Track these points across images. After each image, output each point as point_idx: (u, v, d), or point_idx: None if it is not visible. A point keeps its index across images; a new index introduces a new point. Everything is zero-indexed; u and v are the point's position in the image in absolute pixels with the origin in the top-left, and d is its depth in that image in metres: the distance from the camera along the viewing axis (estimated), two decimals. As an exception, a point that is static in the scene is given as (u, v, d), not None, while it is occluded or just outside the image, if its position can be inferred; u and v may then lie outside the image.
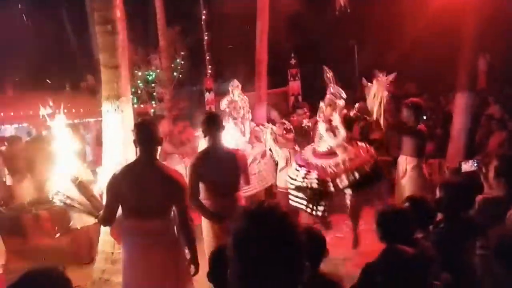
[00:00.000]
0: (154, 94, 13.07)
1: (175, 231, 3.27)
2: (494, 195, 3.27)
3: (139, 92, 11.81)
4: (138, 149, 3.20)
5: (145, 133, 3.18)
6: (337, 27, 14.42)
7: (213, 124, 3.89)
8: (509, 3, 8.58)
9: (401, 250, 2.23)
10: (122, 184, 3.12)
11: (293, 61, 14.24)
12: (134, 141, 3.22)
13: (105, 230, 4.60)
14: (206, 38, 15.61)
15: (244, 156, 4.23)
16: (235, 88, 6.12)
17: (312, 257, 2.38)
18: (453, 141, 7.64)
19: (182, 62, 13.12)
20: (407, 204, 2.99)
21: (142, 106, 12.73)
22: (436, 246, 2.67)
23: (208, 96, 14.98)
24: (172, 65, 12.85)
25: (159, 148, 3.27)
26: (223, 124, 4.06)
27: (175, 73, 12.92)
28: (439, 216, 3.15)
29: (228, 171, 3.83)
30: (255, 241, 1.29)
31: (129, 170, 3.22)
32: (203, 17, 15.47)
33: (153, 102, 13.16)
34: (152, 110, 12.79)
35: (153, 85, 12.90)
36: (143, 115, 10.47)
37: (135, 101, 11.59)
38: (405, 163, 5.03)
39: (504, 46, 11.19)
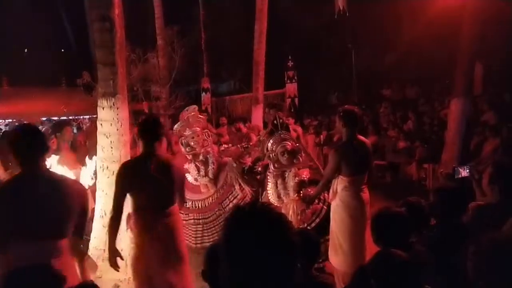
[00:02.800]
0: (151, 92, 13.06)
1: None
2: (487, 201, 3.29)
3: (135, 89, 11.78)
4: (20, 159, 2.66)
5: (31, 140, 2.67)
6: (335, 30, 14.47)
7: (146, 130, 3.48)
8: (506, 10, 8.63)
9: (395, 254, 2.23)
10: (4, 203, 2.59)
11: (290, 63, 14.27)
12: (15, 150, 2.66)
13: (96, 227, 4.59)
14: (204, 38, 15.63)
15: (182, 168, 3.64)
16: (191, 114, 5.28)
17: (305, 259, 2.38)
18: (448, 147, 7.68)
19: (179, 61, 13.12)
20: (402, 208, 2.99)
21: (144, 103, 12.71)
22: (429, 250, 2.68)
23: (205, 96, 14.99)
24: (169, 64, 12.85)
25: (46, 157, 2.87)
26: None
27: (172, 73, 12.92)
28: (433, 220, 3.16)
29: (161, 183, 3.36)
30: (247, 241, 1.27)
31: (11, 186, 2.69)
32: (201, 17, 15.49)
33: (149, 100, 13.14)
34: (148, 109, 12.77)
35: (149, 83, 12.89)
36: (138, 113, 10.44)
37: (130, 99, 11.54)
38: (335, 183, 4.16)
39: (500, 52, 11.26)
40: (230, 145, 6.28)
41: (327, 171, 4.18)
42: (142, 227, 3.39)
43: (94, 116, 5.29)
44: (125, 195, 3.38)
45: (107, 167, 4.46)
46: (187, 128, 5.15)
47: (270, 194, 4.68)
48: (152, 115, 8.22)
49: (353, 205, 4.03)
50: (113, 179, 4.35)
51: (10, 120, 12.21)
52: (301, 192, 4.58)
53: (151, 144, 3.42)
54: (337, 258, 4.11)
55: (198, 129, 5.17)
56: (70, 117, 10.79)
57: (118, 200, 3.35)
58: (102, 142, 4.50)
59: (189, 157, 5.16)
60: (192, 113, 5.25)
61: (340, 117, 4.10)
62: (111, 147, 4.45)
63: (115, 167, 4.35)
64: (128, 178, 3.37)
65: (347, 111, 4.14)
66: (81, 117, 12.02)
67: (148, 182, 3.33)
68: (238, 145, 6.04)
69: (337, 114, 4.19)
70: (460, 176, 4.61)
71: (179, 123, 5.28)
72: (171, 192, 3.49)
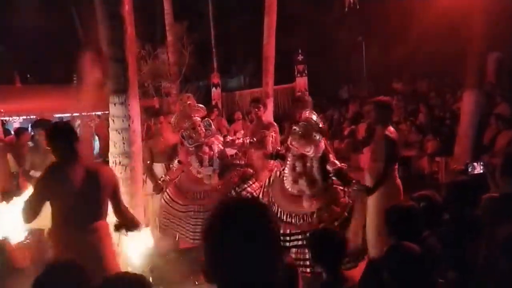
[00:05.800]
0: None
1: None
2: (500, 193, 3.25)
3: (145, 85, 11.83)
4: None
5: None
6: (345, 23, 14.39)
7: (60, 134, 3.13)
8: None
9: (407, 247, 2.23)
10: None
11: (300, 57, 14.23)
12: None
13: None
14: (213, 33, 15.64)
15: (112, 174, 3.24)
16: (186, 103, 5.04)
17: (330, 258, 2.35)
18: (460, 140, 7.59)
19: (189, 57, 13.14)
20: (421, 202, 2.98)
21: (154, 99, 12.76)
22: (442, 244, 2.67)
23: (215, 91, 15.02)
24: (179, 60, 12.88)
25: None
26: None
27: (182, 68, 12.94)
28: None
29: (85, 193, 3.02)
30: (230, 233, 1.26)
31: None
32: (211, 12, 15.49)
33: (160, 96, 13.20)
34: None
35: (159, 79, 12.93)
36: (149, 109, 10.47)
37: (141, 95, 11.57)
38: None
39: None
40: (235, 137, 6.14)
41: (388, 162, 4.17)
42: (60, 245, 3.06)
43: (106, 112, 5.31)
44: (42, 204, 2.99)
45: (120, 163, 4.51)
46: (186, 119, 4.96)
47: (286, 177, 4.34)
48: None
49: (388, 189, 4.13)
50: (125, 174, 4.42)
51: (25, 117, 12.34)
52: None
53: (70, 148, 3.06)
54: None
55: (197, 118, 4.98)
56: (83, 114, 10.86)
57: (33, 208, 2.97)
58: (114, 138, 4.54)
59: (191, 149, 4.98)
60: (188, 102, 5.05)
61: (377, 108, 4.25)
62: (123, 143, 4.49)
63: (128, 163, 4.43)
64: (50, 186, 3.01)
65: (382, 101, 4.32)
66: (93, 113, 12.08)
67: (68, 193, 2.99)
68: (243, 139, 5.94)
69: (373, 105, 4.33)
70: (474, 171, 4.54)
71: (175, 115, 5.10)
72: (96, 205, 3.12)
